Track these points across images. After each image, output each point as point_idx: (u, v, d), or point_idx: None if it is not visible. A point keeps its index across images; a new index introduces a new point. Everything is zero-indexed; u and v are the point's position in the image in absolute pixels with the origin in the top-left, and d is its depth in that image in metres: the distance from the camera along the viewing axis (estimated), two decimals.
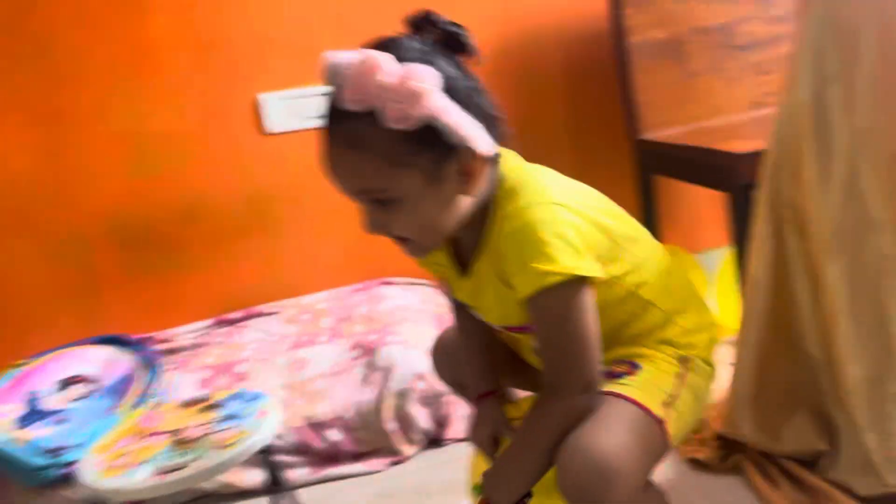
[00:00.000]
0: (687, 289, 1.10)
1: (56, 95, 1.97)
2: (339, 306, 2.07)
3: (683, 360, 1.02)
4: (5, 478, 1.53)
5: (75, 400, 1.63)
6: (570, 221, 0.92)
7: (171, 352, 1.96)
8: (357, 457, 1.62)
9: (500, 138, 0.95)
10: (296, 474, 1.59)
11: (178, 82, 2.03)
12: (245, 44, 2.05)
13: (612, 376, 0.99)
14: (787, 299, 1.30)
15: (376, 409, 1.63)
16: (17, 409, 1.58)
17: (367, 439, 1.62)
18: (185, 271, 2.09)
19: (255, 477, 1.57)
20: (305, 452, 1.62)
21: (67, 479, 1.51)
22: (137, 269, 2.07)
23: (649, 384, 0.98)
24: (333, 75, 0.87)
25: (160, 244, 2.07)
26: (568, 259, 0.89)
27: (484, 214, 0.96)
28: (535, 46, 2.18)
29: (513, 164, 0.98)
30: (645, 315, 1.02)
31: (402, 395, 1.63)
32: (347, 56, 0.86)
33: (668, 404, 0.98)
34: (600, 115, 2.21)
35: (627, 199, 2.21)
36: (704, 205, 2.27)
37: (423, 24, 0.91)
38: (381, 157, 0.86)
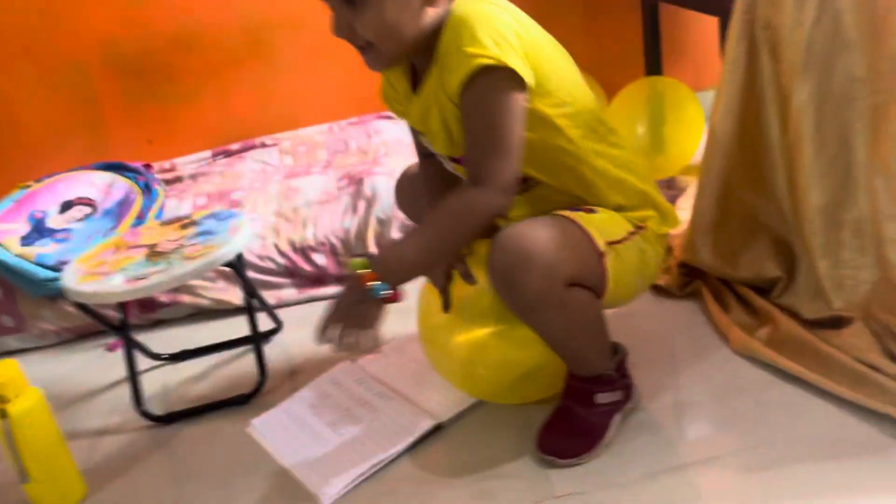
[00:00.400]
0: (636, 165, 1.11)
1: None
2: (335, 139, 2.09)
3: (637, 226, 1.07)
4: (15, 290, 1.65)
5: (76, 220, 1.72)
6: (509, 25, 0.94)
7: (173, 181, 2.03)
8: (341, 279, 1.70)
9: None
10: (283, 294, 1.68)
11: None
12: None
13: (569, 210, 1.04)
14: (755, 125, 1.27)
15: (360, 235, 1.68)
16: (22, 227, 1.68)
17: None
18: (184, 101, 2.12)
19: None
20: (293, 275, 1.70)
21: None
22: (137, 97, 2.10)
23: (598, 223, 1.03)
24: None
25: (158, 73, 2.09)
26: (499, 50, 0.91)
27: (437, 35, 0.97)
28: None
29: None
30: (591, 176, 1.05)
31: (384, 222, 1.68)
32: None
33: (611, 244, 1.03)
34: None
35: (634, 31, 2.12)
36: (711, 42, 2.16)
37: None
38: None
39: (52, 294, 1.63)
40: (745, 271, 1.33)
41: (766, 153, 1.27)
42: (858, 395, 1.05)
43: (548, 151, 1.02)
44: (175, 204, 1.85)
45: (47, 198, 1.75)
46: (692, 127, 1.89)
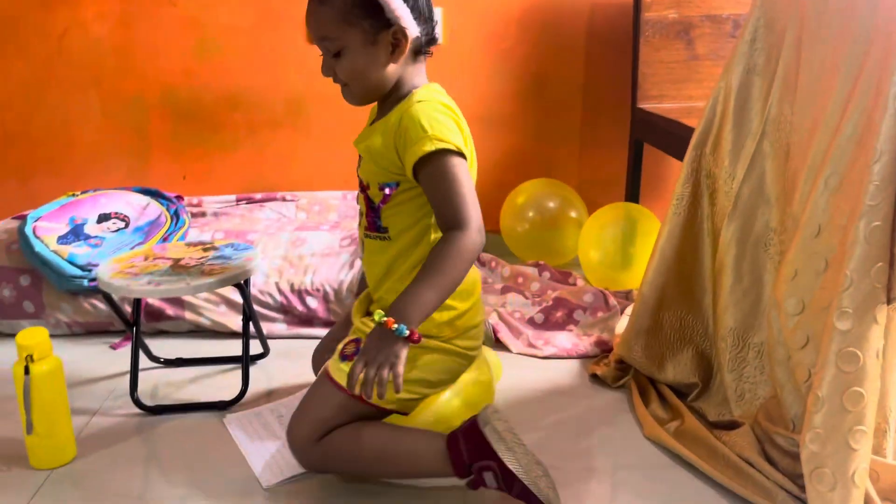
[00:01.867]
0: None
1: None
2: (346, 206, 2.36)
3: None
4: (42, 280, 1.87)
5: (110, 231, 1.96)
6: (457, 123, 1.21)
7: (198, 214, 2.29)
8: (327, 324, 1.92)
9: (429, 34, 1.23)
10: (274, 328, 1.91)
11: None
12: None
13: (340, 356, 1.26)
14: (692, 253, 1.53)
15: (350, 287, 1.92)
16: (62, 228, 1.92)
17: (339, 311, 1.92)
18: (221, 149, 2.41)
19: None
20: (287, 312, 1.93)
21: (91, 291, 1.86)
22: (182, 138, 2.39)
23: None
24: None
25: (204, 121, 2.38)
26: (445, 134, 1.16)
27: (399, 92, 1.23)
28: (566, 7, 2.37)
29: (437, 87, 1.26)
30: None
31: None
32: None
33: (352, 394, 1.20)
34: (612, 80, 2.41)
35: (619, 163, 2.42)
36: None
37: None
38: (338, 12, 1.16)
39: (74, 289, 1.85)
40: (669, 374, 1.55)
41: (697, 277, 1.53)
42: (734, 484, 1.26)
43: (417, 226, 1.23)
44: (196, 234, 2.09)
45: (89, 208, 2.00)
46: None
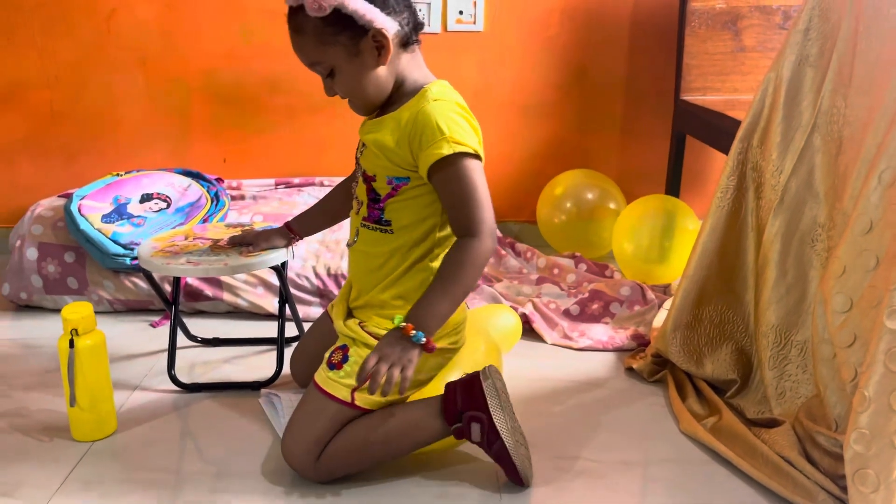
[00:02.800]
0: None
1: None
2: None
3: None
4: (86, 258, 1.91)
5: (152, 211, 1.99)
6: (471, 124, 1.20)
7: (237, 198, 2.31)
8: None
9: (411, 22, 1.19)
10: (310, 311, 1.92)
11: None
12: None
13: (328, 365, 1.26)
14: (735, 247, 1.50)
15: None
16: (106, 207, 1.95)
17: None
18: (261, 133, 2.42)
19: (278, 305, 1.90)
20: (322, 295, 1.94)
21: (133, 270, 1.88)
22: (222, 121, 2.41)
23: (348, 371, 1.24)
24: None
25: (244, 105, 2.40)
26: (462, 137, 1.16)
27: (411, 96, 1.21)
28: None
29: (447, 84, 1.24)
30: (415, 276, 1.25)
31: None
32: None
33: (356, 389, 1.22)
34: (655, 71, 2.37)
35: (661, 155, 2.39)
36: None
37: None
38: (314, 37, 1.15)
39: (117, 267, 1.88)
40: (707, 370, 1.53)
41: (739, 272, 1.50)
42: (773, 483, 1.24)
43: (423, 222, 1.24)
44: (235, 216, 2.11)
45: (132, 188, 2.03)
46: (690, 247, 2.12)
